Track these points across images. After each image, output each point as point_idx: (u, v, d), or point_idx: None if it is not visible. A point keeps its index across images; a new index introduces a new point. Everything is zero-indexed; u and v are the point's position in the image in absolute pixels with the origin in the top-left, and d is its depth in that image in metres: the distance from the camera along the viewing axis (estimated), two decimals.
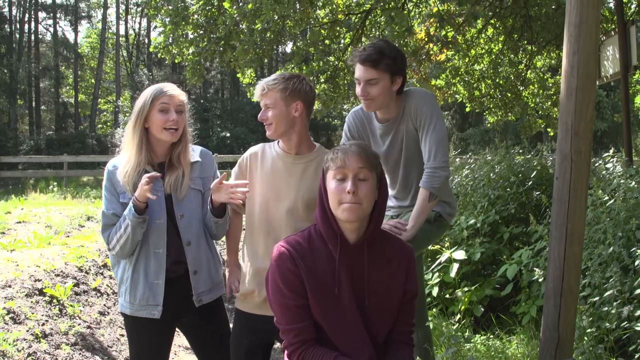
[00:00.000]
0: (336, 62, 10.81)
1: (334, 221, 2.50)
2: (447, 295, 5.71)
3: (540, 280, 4.51)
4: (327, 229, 2.52)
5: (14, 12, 38.56)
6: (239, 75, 11.31)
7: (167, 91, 3.21)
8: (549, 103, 13.52)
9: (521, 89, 13.08)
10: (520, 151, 7.62)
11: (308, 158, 3.22)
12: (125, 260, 3.27)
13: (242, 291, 3.26)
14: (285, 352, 2.58)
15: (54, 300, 5.24)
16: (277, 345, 3.22)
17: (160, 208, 3.21)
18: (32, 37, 40.51)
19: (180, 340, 5.52)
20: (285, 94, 3.15)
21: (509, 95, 13.01)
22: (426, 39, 10.07)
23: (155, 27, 32.59)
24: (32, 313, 4.80)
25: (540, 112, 14.14)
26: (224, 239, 3.50)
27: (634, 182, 5.06)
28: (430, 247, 5.80)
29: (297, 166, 3.20)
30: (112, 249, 3.19)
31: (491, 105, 13.46)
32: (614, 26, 9.65)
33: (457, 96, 13.47)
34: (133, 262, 3.23)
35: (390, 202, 3.75)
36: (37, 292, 5.18)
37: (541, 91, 13.37)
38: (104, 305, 5.87)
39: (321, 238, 2.55)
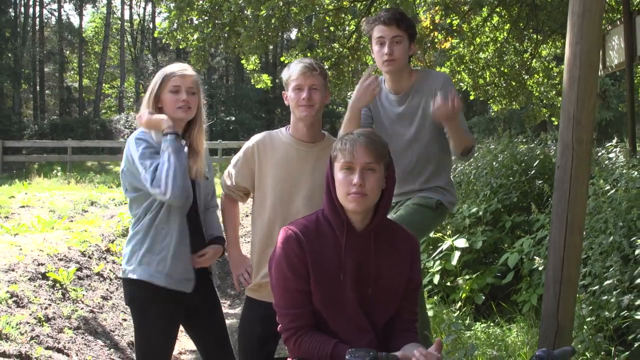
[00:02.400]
0: (340, 49, 10.79)
1: (341, 209, 2.50)
2: (449, 283, 5.73)
3: (540, 268, 4.52)
4: (335, 217, 2.53)
5: None
6: (243, 61, 11.30)
7: (178, 71, 3.17)
8: (554, 92, 13.47)
9: (526, 77, 13.04)
10: (524, 140, 7.61)
11: (321, 146, 3.22)
12: (164, 230, 3.10)
13: (257, 281, 3.24)
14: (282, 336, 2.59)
15: (57, 285, 5.27)
16: None
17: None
18: (37, 21, 40.40)
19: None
20: (325, 81, 3.20)
21: (514, 83, 12.97)
22: (431, 27, 10.07)
23: (160, 12, 32.48)
24: (35, 297, 4.83)
25: (544, 101, 14.09)
26: None
27: (636, 172, 5.06)
28: (432, 235, 5.82)
29: (311, 154, 3.20)
30: (165, 190, 2.94)
31: (495, 94, 13.41)
32: (619, 16, 9.59)
33: (461, 84, 13.41)
34: (178, 233, 3.11)
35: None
36: (41, 276, 5.21)
37: (546, 80, 13.33)
38: (107, 289, 5.90)
39: (328, 223, 2.55)
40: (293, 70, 3.13)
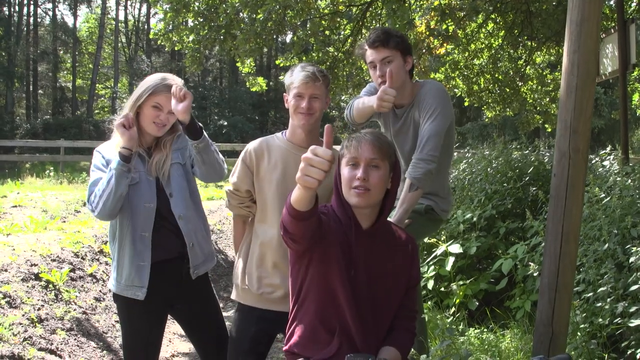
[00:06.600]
0: (335, 53, 10.81)
1: (349, 207, 2.55)
2: (443, 289, 5.74)
3: (535, 274, 4.53)
4: (343, 214, 2.58)
5: None
6: (238, 64, 11.31)
7: (165, 91, 3.16)
8: (547, 99, 13.53)
9: (520, 84, 13.09)
10: (518, 147, 7.64)
11: None
12: (115, 239, 3.27)
13: (255, 292, 3.18)
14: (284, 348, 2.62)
15: (50, 285, 5.25)
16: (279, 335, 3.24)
17: (151, 191, 3.24)
18: (31, 21, 40.34)
19: (175, 327, 5.55)
20: (327, 89, 3.23)
21: (508, 90, 13.02)
22: (427, 33, 10.08)
23: (156, 13, 32.52)
24: (28, 298, 4.81)
25: (538, 108, 14.15)
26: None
27: (630, 180, 5.09)
28: (426, 241, 5.82)
29: None
30: (95, 206, 3.13)
31: (489, 100, 13.46)
32: (613, 24, 9.65)
33: (456, 90, 13.46)
34: (119, 242, 3.24)
35: None
36: (33, 277, 5.19)
37: (540, 87, 13.38)
38: (100, 291, 5.88)
39: (337, 220, 2.59)
40: (296, 77, 3.14)
